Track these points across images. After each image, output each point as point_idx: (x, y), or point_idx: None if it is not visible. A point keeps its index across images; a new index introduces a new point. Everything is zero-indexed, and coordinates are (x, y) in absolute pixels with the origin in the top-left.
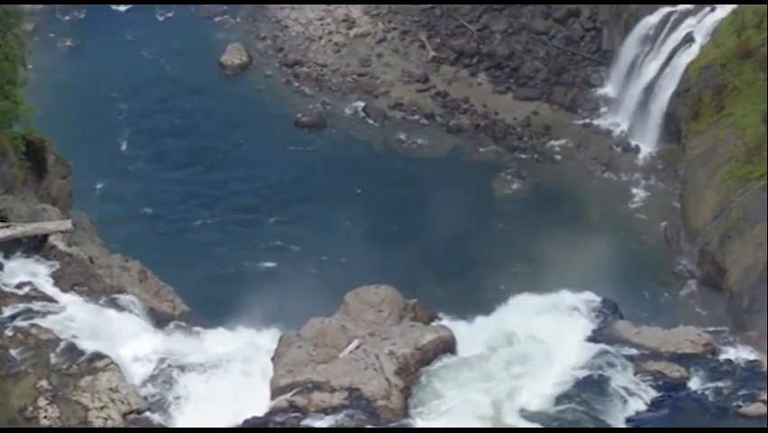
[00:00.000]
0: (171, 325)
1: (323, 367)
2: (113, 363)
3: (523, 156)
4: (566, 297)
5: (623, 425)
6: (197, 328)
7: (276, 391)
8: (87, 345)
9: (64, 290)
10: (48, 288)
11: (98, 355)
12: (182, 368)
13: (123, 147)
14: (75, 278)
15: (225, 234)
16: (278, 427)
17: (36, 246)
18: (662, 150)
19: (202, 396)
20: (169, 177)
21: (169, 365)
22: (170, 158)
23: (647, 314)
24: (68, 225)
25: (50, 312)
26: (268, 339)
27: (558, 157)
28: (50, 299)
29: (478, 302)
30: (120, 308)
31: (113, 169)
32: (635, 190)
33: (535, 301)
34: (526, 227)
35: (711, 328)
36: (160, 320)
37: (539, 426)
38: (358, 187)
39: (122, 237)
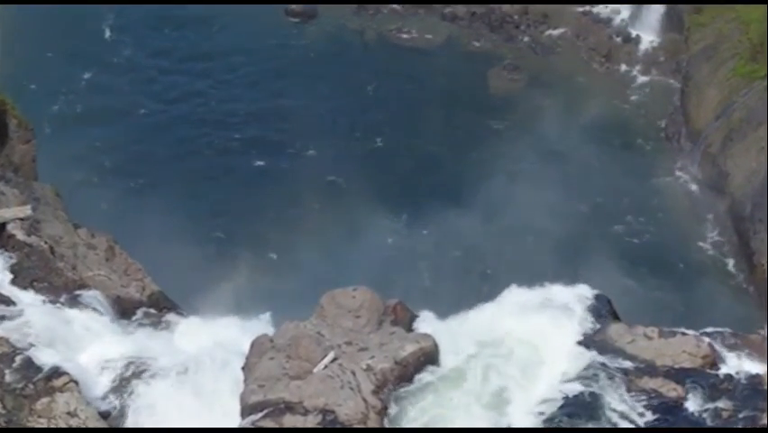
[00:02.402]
0: (139, 313)
1: (296, 385)
2: (71, 380)
3: (520, 46)
4: (558, 292)
5: None
6: (167, 317)
7: (246, 409)
8: (45, 358)
9: (22, 287)
10: (5, 285)
11: (56, 372)
12: (148, 375)
13: (107, 35)
14: (34, 273)
15: (207, 127)
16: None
17: None
18: (664, 41)
19: (168, 409)
20: (154, 65)
21: (134, 373)
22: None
23: (644, 219)
24: (27, 211)
25: (5, 317)
26: (240, 332)
27: (556, 47)
28: (7, 301)
29: (473, 200)
30: (82, 305)
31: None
32: (634, 84)
33: (525, 297)
34: (523, 121)
35: (711, 329)
36: (126, 309)
37: None
38: (348, 78)
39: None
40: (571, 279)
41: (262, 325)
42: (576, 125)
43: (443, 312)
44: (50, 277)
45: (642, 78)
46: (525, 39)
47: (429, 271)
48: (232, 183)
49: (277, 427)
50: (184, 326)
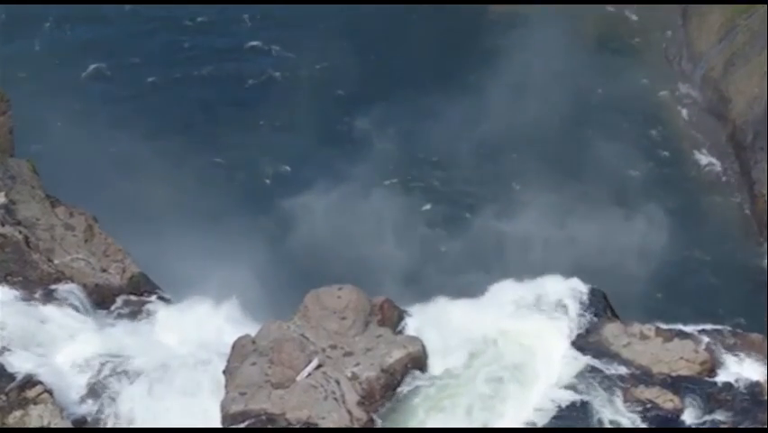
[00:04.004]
0: (119, 301)
1: (278, 394)
2: (45, 390)
3: None
4: (550, 288)
5: None
6: (148, 305)
7: (227, 418)
8: (19, 363)
9: None
10: None
11: (30, 381)
12: (125, 377)
13: None
14: (8, 267)
15: None
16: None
17: None
18: None
19: (146, 414)
20: None
21: (111, 373)
22: None
23: (644, 145)
24: (1, 198)
25: None
26: (223, 320)
27: None
28: None
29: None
30: (58, 301)
31: None
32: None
33: (517, 293)
34: (523, 39)
35: (710, 327)
36: (105, 298)
37: None
38: None
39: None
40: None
41: (245, 317)
42: (577, 45)
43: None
44: (24, 271)
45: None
46: None
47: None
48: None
49: None
50: (164, 315)
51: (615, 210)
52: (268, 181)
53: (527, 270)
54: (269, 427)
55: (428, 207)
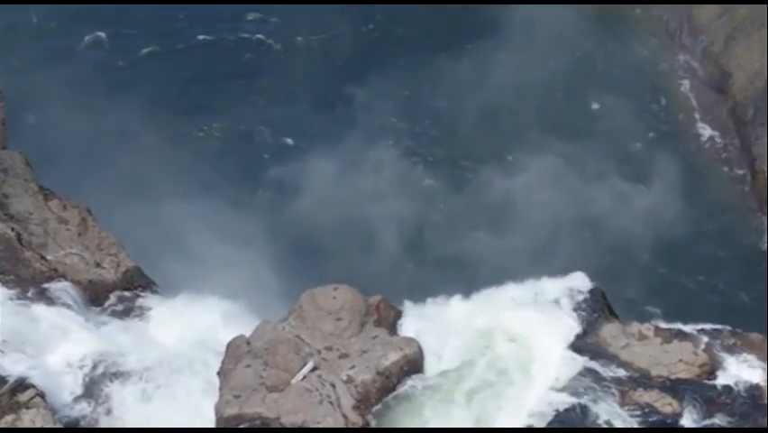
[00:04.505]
0: (113, 297)
1: (273, 398)
2: (38, 394)
3: None
4: (549, 287)
5: None
6: (141, 301)
7: (221, 421)
8: (11, 366)
9: None
10: None
11: (22, 384)
12: (118, 377)
13: None
14: (0, 265)
15: None
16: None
17: None
18: None
19: (139, 416)
20: None
21: (104, 373)
22: None
23: (645, 116)
24: None
25: None
26: (219, 318)
27: None
28: None
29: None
30: (50, 300)
31: None
32: None
33: (515, 293)
34: (521, 14)
35: (709, 326)
36: (99, 295)
37: None
38: None
39: None
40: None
41: (240, 313)
42: (578, 15)
43: None
44: (17, 269)
45: None
46: None
47: None
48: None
49: None
50: (158, 312)
51: (614, 179)
52: (267, 152)
53: (528, 229)
54: (268, 428)
55: (429, 169)
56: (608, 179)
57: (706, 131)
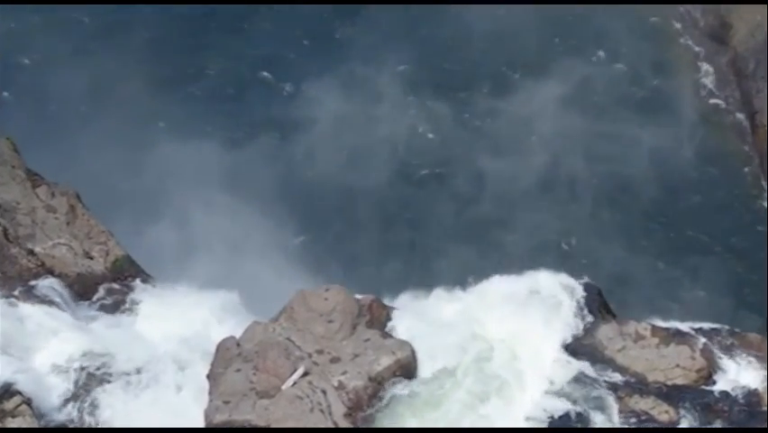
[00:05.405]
0: (101, 290)
1: (263, 405)
2: (24, 402)
3: None
4: (543, 282)
5: None
6: (131, 294)
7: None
8: None
9: None
10: None
11: (8, 391)
12: (106, 378)
13: None
14: None
15: None
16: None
17: None
18: None
19: (126, 420)
20: None
21: (92, 374)
22: None
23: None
24: None
25: None
26: (209, 313)
27: None
28: None
29: None
30: (37, 298)
31: None
32: None
33: (509, 289)
34: None
35: (708, 326)
36: (87, 288)
37: None
38: None
39: None
40: None
41: (233, 305)
42: None
43: None
44: (3, 266)
45: None
46: None
47: None
48: None
49: None
50: (148, 306)
51: (608, 124)
52: (267, 95)
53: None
54: (264, 427)
55: (438, 91)
56: (608, 122)
57: (706, 82)
